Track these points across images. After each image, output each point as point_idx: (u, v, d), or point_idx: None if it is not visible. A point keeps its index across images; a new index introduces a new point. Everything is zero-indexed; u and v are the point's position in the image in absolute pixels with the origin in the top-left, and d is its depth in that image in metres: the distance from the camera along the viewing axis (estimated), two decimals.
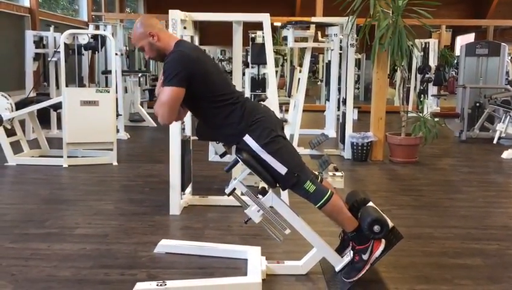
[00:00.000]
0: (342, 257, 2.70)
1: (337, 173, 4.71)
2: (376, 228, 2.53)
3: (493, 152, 6.52)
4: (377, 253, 2.59)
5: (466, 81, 7.89)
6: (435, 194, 4.54)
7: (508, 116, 6.92)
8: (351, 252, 2.64)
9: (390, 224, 2.64)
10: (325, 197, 2.52)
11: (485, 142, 7.23)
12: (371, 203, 2.73)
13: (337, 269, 2.68)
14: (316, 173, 2.77)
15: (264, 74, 8.44)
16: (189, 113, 4.22)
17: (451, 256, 3.07)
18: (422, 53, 10.53)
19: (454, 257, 3.07)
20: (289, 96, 6.48)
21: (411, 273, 2.82)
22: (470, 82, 7.83)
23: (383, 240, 2.60)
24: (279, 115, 4.12)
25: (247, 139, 2.49)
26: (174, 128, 3.80)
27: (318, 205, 2.54)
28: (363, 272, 2.58)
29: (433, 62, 10.52)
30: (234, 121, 2.51)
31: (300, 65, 7.85)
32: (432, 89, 10.51)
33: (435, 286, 2.66)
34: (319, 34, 8.17)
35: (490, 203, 4.31)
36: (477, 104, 7.65)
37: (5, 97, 5.55)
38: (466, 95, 7.53)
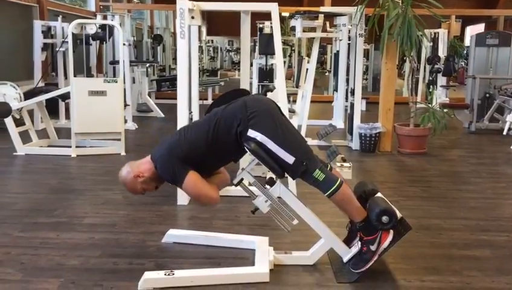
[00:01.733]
0: (350, 248, 2.69)
1: (345, 164, 4.69)
2: (384, 218, 2.51)
3: (503, 143, 6.46)
4: (385, 244, 2.57)
5: (476, 72, 7.82)
6: (444, 185, 4.52)
7: None
8: (359, 243, 2.63)
9: (399, 215, 2.62)
10: (335, 186, 2.51)
11: (495, 133, 7.17)
12: (379, 194, 2.71)
13: (345, 259, 2.68)
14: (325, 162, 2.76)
15: (271, 64, 8.41)
16: (196, 104, 4.24)
17: (460, 247, 3.06)
18: (431, 43, 10.43)
19: (463, 248, 3.05)
20: (297, 87, 6.45)
21: (419, 264, 2.81)
22: (479, 72, 7.75)
23: (391, 231, 2.59)
24: (286, 105, 4.11)
25: (251, 133, 2.48)
26: (182, 117, 3.79)
27: (328, 193, 2.52)
28: (371, 263, 2.57)
29: (442, 52, 10.42)
30: (235, 124, 2.51)
31: (309, 55, 7.81)
32: (441, 80, 10.42)
33: (443, 278, 2.65)
34: (327, 24, 8.13)
35: (499, 194, 4.29)
36: (487, 95, 7.59)
37: (14, 87, 5.58)
38: (476, 85, 7.46)
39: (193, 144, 2.55)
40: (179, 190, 3.78)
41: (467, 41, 17.45)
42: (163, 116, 8.52)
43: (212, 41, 19.05)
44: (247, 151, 2.57)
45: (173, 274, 2.51)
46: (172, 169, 2.51)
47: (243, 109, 2.53)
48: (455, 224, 3.47)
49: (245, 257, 2.85)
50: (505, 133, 6.85)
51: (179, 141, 2.58)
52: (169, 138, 2.65)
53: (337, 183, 2.52)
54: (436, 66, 10.16)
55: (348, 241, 2.75)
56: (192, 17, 3.93)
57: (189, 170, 2.49)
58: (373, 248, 2.58)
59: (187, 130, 2.65)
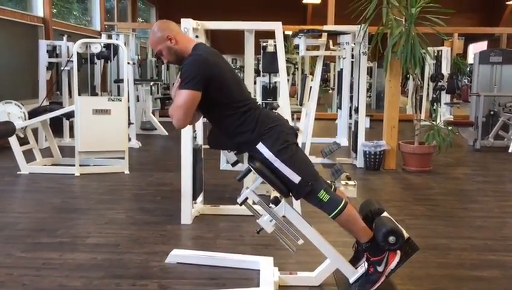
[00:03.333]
0: (356, 269, 2.65)
1: (350, 182, 4.65)
2: (391, 239, 2.47)
3: (508, 161, 6.42)
4: (392, 265, 2.53)
5: (480, 89, 7.80)
6: (450, 204, 4.47)
7: None
8: (366, 263, 2.59)
9: (406, 235, 2.58)
10: (339, 207, 2.48)
11: (500, 151, 7.13)
12: (385, 214, 2.68)
13: (351, 280, 2.63)
14: (329, 182, 2.73)
15: (275, 82, 8.43)
16: (200, 122, 4.23)
17: (468, 268, 3.01)
18: (434, 61, 10.46)
19: (471, 268, 3.00)
20: (301, 105, 6.44)
21: (427, 285, 2.76)
22: (483, 90, 7.74)
23: (399, 252, 2.55)
24: (291, 123, 4.09)
25: (261, 147, 2.47)
26: (186, 136, 3.78)
27: (332, 215, 2.49)
28: (378, 284, 2.53)
29: (445, 70, 10.44)
30: (248, 129, 2.48)
31: (312, 73, 7.83)
32: (445, 97, 10.41)
33: None
34: (331, 42, 8.16)
35: (506, 213, 4.23)
36: (492, 113, 7.55)
37: (18, 106, 5.59)
38: (480, 103, 7.44)
39: (226, 89, 2.47)
40: (182, 208, 3.77)
41: (470, 59, 17.50)
42: (167, 134, 8.52)
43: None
44: (235, 146, 2.53)
45: None
46: (195, 73, 2.38)
47: (266, 118, 2.52)
48: (462, 244, 3.42)
49: (250, 278, 2.81)
50: (510, 150, 6.82)
51: (225, 72, 2.50)
52: (224, 60, 2.60)
53: (342, 204, 2.49)
54: (439, 83, 10.17)
55: (354, 262, 2.70)
56: (197, 36, 3.94)
57: (199, 90, 2.39)
58: (380, 268, 2.54)
59: (237, 80, 2.59)
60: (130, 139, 6.76)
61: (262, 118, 2.51)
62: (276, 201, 2.60)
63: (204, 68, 2.41)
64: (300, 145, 2.93)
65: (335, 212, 2.48)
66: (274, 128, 2.49)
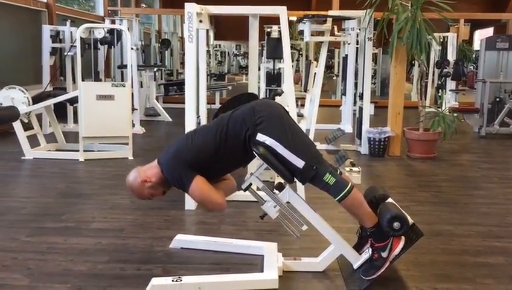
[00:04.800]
0: (360, 254, 2.64)
1: (354, 169, 4.65)
2: (396, 224, 2.47)
3: None
4: (397, 251, 2.53)
5: (486, 76, 7.74)
6: (455, 191, 4.46)
7: None
8: (370, 249, 2.58)
9: (410, 221, 2.58)
10: (346, 190, 2.46)
11: (505, 137, 7.10)
12: (390, 200, 2.67)
13: (355, 266, 2.63)
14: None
15: (279, 68, 8.39)
16: (204, 108, 4.22)
17: (472, 254, 3.00)
18: (440, 47, 10.37)
19: (475, 255, 2.99)
20: (305, 91, 6.41)
21: (431, 271, 2.76)
22: (490, 76, 7.67)
23: (403, 237, 2.54)
24: (295, 109, 4.07)
25: (260, 137, 2.45)
26: (190, 122, 3.77)
27: (338, 197, 2.47)
28: (382, 270, 2.53)
29: (451, 56, 10.35)
30: (244, 130, 2.47)
31: (316, 60, 7.78)
32: (450, 84, 10.34)
33: (456, 285, 2.60)
34: (336, 28, 8.09)
35: (511, 200, 4.22)
36: (497, 99, 7.50)
37: (22, 91, 5.59)
38: (486, 89, 7.39)
39: (201, 148, 2.51)
40: (186, 194, 3.76)
41: (476, 46, 17.35)
42: (171, 120, 8.51)
43: (219, 45, 19.08)
44: (255, 156, 2.54)
45: (181, 280, 2.48)
46: (178, 174, 2.48)
47: (251, 113, 2.50)
48: (467, 230, 3.41)
49: (253, 263, 2.82)
50: None
51: (187, 145, 2.55)
52: (177, 141, 2.62)
53: (348, 187, 2.47)
54: (445, 70, 10.08)
55: (359, 248, 2.70)
56: (201, 21, 3.91)
57: (195, 175, 2.46)
58: (384, 254, 2.53)
59: (195, 135, 2.61)
60: (133, 125, 6.75)
61: (246, 112, 2.51)
62: (280, 187, 2.60)
63: (176, 164, 2.49)
64: (304, 131, 2.91)
65: (341, 195, 2.46)
66: (265, 116, 2.47)
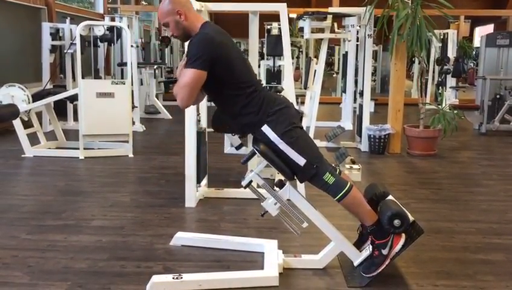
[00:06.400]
0: (361, 251, 2.65)
1: (354, 166, 4.64)
2: (396, 222, 2.47)
3: None
4: (397, 248, 2.53)
5: (486, 73, 7.73)
6: (455, 188, 4.46)
7: None
8: (370, 246, 2.58)
9: (411, 218, 2.58)
10: (345, 189, 2.47)
11: (506, 134, 7.09)
12: (390, 197, 2.67)
13: (356, 263, 2.63)
14: (333, 165, 2.72)
15: (279, 65, 8.38)
16: (204, 105, 4.21)
17: (472, 251, 3.00)
18: (440, 44, 10.35)
19: (476, 252, 2.99)
20: (305, 88, 6.40)
21: (432, 268, 2.76)
22: (490, 73, 7.67)
23: (403, 235, 2.55)
24: (295, 106, 4.07)
25: (266, 129, 2.45)
26: (190, 120, 3.77)
27: (337, 197, 2.48)
28: (382, 267, 2.53)
29: (451, 53, 10.33)
30: (253, 110, 2.46)
31: (316, 57, 7.77)
32: (451, 81, 10.33)
33: (456, 282, 2.60)
34: (336, 25, 8.08)
35: (511, 197, 4.21)
36: (498, 96, 7.49)
37: (22, 89, 5.58)
38: (486, 86, 7.37)
39: (231, 70, 2.44)
40: (186, 192, 3.77)
41: (476, 42, 17.32)
42: (171, 118, 8.51)
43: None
44: (238, 129, 2.52)
45: (181, 278, 2.48)
46: (201, 52, 2.34)
47: (272, 101, 2.49)
48: (467, 227, 3.41)
49: (254, 260, 2.82)
50: None
51: (232, 52, 2.46)
52: (231, 40, 2.54)
53: (347, 187, 2.48)
54: (445, 67, 10.07)
55: (359, 245, 2.71)
56: None
57: (205, 70, 2.35)
58: (385, 251, 2.53)
59: (243, 60, 2.54)
60: (133, 123, 6.74)
61: (268, 101, 2.48)
62: (281, 184, 2.60)
63: (210, 47, 2.37)
64: (304, 128, 2.91)
65: (340, 195, 2.47)
66: (280, 111, 2.47)
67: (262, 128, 2.45)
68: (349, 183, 2.51)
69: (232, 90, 2.47)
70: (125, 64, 7.68)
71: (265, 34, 8.94)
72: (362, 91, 6.11)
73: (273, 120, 2.45)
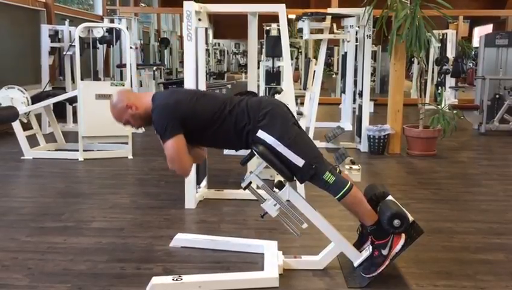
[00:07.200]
0: (361, 252, 2.64)
1: (354, 166, 4.64)
2: (396, 222, 2.46)
3: None
4: (397, 248, 2.53)
5: (485, 73, 7.73)
6: (455, 188, 4.46)
7: None
8: (370, 247, 2.58)
9: (411, 218, 2.57)
10: (345, 188, 2.46)
11: (505, 134, 7.09)
12: (390, 197, 2.66)
13: (356, 264, 2.63)
14: (333, 165, 2.72)
15: (278, 66, 8.38)
16: None
17: (472, 251, 3.00)
18: (439, 44, 10.36)
19: (476, 252, 2.99)
20: (304, 89, 6.40)
21: (432, 268, 2.75)
22: (489, 73, 7.67)
23: (403, 235, 2.54)
24: (294, 107, 4.07)
25: (261, 134, 2.44)
26: None
27: (338, 196, 2.47)
28: (382, 268, 2.52)
29: (450, 54, 10.34)
30: (245, 122, 2.46)
31: (316, 57, 7.77)
32: (450, 81, 10.34)
33: (456, 282, 2.60)
34: (335, 25, 8.08)
35: (511, 196, 4.21)
36: (497, 96, 7.49)
37: (21, 91, 5.58)
38: (485, 86, 7.37)
39: (200, 112, 2.47)
40: (186, 193, 3.77)
41: (475, 42, 17.34)
42: None
43: (218, 44, 19.09)
44: (246, 145, 2.52)
45: (181, 279, 2.48)
46: (166, 123, 2.41)
47: (257, 107, 2.49)
48: (467, 227, 3.41)
49: (254, 262, 2.82)
50: None
51: (189, 102, 2.49)
52: (182, 92, 2.58)
53: (348, 185, 2.47)
54: (444, 67, 10.08)
55: (359, 245, 2.70)
56: (199, 19, 3.90)
57: (179, 133, 2.41)
58: (384, 252, 2.53)
59: (202, 96, 2.57)
60: None
61: (251, 107, 2.48)
62: (280, 185, 2.59)
63: (170, 112, 2.43)
64: (304, 129, 2.91)
65: (341, 194, 2.46)
66: (269, 114, 2.46)
67: (257, 135, 2.45)
68: (349, 183, 2.51)
69: (214, 125, 2.47)
70: (124, 65, 7.69)
71: (265, 35, 8.94)
72: (361, 91, 6.11)
73: (265, 124, 2.44)
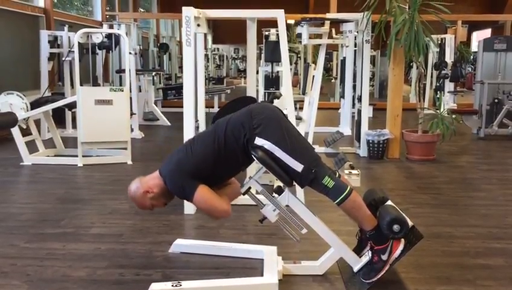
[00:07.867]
0: (360, 257, 2.64)
1: (353, 171, 4.64)
2: (396, 227, 2.46)
3: None
4: (397, 253, 2.52)
5: (484, 77, 7.74)
6: (454, 192, 4.45)
7: None
8: (370, 252, 2.57)
9: (410, 223, 2.57)
10: (345, 193, 2.45)
11: (504, 139, 7.10)
12: (389, 202, 2.66)
13: (355, 269, 2.62)
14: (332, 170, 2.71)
15: (277, 71, 8.40)
16: (203, 112, 4.22)
17: (472, 256, 3.00)
18: (438, 49, 10.39)
19: (475, 257, 2.99)
20: (303, 94, 6.42)
21: (432, 273, 2.75)
22: (488, 78, 7.68)
23: (403, 240, 2.54)
24: (294, 112, 4.07)
25: (258, 141, 2.44)
26: (188, 126, 3.77)
27: (337, 200, 2.46)
28: (382, 273, 2.52)
29: (449, 58, 10.37)
30: (243, 133, 2.47)
31: (315, 62, 7.78)
32: (449, 86, 10.36)
33: (456, 287, 2.59)
34: (334, 30, 8.11)
35: (511, 201, 4.22)
36: (496, 100, 7.51)
37: (20, 97, 5.58)
38: (484, 91, 7.39)
39: (201, 157, 2.51)
40: None
41: (474, 47, 17.39)
42: (170, 124, 8.51)
43: (218, 49, 19.12)
44: (254, 160, 2.53)
45: (180, 285, 2.47)
46: (181, 184, 2.48)
47: (248, 117, 2.50)
48: (467, 232, 3.41)
49: (253, 267, 2.81)
50: None
51: (187, 156, 2.54)
52: (177, 152, 2.61)
53: (347, 190, 2.47)
54: (443, 71, 10.11)
55: (358, 251, 2.70)
56: (198, 25, 3.91)
57: (198, 184, 2.46)
58: (384, 257, 2.52)
59: (193, 143, 2.60)
60: (132, 130, 6.74)
61: (241, 119, 2.50)
62: (280, 190, 2.59)
63: (178, 175, 2.50)
64: (303, 134, 2.90)
65: (340, 198, 2.46)
66: (262, 119, 2.47)
67: (255, 142, 2.45)
68: (349, 187, 2.50)
69: (219, 155, 2.50)
70: (123, 71, 7.71)
71: (263, 40, 8.96)
72: (360, 96, 6.12)
73: (261, 131, 2.45)
